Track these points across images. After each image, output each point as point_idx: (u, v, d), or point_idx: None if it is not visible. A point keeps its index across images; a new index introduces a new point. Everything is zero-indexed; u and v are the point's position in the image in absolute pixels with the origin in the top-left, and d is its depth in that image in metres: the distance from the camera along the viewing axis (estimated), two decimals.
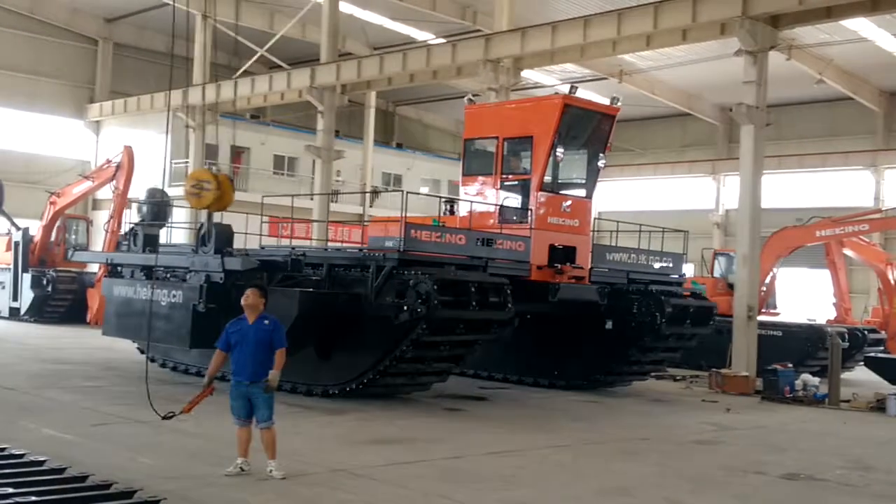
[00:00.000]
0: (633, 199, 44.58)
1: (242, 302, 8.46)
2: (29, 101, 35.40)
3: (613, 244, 17.92)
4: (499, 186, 16.04)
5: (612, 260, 16.80)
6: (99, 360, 17.53)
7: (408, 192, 14.30)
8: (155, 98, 34.16)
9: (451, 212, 17.12)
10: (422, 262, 13.41)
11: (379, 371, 13.28)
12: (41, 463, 7.82)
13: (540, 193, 15.60)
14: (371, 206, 37.40)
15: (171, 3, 17.60)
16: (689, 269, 35.63)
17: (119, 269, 16.61)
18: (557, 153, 15.58)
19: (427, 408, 13.77)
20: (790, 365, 18.21)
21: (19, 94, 34.99)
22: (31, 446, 8.55)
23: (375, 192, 37.21)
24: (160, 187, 25.12)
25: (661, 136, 43.68)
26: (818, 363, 20.35)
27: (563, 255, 15.67)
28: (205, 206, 13.46)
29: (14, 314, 26.73)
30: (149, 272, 15.22)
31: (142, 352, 16.86)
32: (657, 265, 17.45)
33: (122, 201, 25.19)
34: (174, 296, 13.93)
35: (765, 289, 22.70)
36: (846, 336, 20.59)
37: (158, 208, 20.78)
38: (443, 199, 18.22)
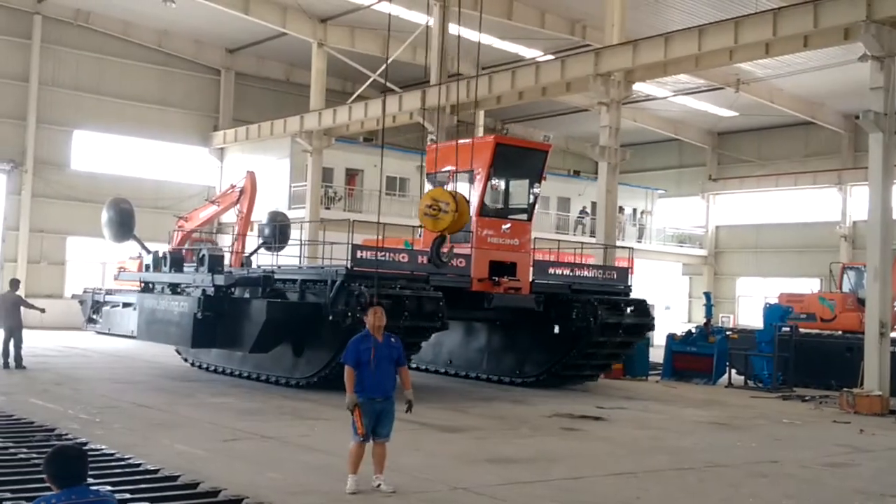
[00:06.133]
0: (753, 211, 43.16)
1: (371, 320, 8.40)
2: (159, 130, 37.07)
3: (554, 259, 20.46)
4: None
5: (553, 273, 19.32)
6: (224, 378, 18.21)
7: (354, 221, 17.83)
8: (274, 125, 35.35)
9: None
10: (372, 277, 15.22)
11: (332, 367, 15.30)
12: (175, 478, 8.14)
13: (480, 218, 17.79)
14: None
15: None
16: (815, 284, 34.43)
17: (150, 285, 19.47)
18: (493, 183, 18.12)
19: (544, 427, 13.69)
20: None
21: (150, 124, 36.69)
22: (166, 461, 8.94)
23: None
24: (281, 210, 26.02)
25: (782, 147, 42.09)
26: None
27: (502, 269, 17.79)
28: (441, 228, 13.43)
29: None
30: (173, 287, 18.20)
31: (178, 352, 20.19)
32: (600, 277, 19.89)
33: (246, 224, 26.12)
34: (182, 306, 16.91)
35: None
36: None
37: (279, 230, 21.48)
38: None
